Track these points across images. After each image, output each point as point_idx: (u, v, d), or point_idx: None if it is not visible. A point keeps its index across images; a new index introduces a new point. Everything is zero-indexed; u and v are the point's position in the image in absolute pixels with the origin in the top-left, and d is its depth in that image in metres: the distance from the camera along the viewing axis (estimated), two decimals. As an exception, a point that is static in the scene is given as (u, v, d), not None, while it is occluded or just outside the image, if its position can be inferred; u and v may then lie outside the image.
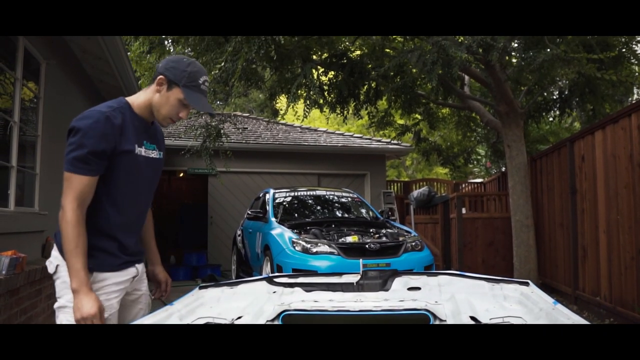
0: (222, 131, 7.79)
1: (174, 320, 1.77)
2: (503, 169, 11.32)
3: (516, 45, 6.77)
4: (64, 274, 1.83)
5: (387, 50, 7.55)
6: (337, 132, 13.25)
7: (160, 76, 1.87)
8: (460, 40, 5.80)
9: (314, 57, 7.36)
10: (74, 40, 4.99)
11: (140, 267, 2.06)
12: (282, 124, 12.84)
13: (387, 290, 2.08)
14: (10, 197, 3.90)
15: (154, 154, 2.00)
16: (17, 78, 3.96)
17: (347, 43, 7.40)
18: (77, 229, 1.73)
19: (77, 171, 1.74)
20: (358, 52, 7.84)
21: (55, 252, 1.89)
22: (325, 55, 7.47)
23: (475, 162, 14.64)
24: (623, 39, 6.52)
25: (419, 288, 2.09)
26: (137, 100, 1.93)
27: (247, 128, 11.50)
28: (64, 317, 1.82)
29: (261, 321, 1.81)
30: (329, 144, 11.08)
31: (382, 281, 2.12)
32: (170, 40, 7.87)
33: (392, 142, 11.51)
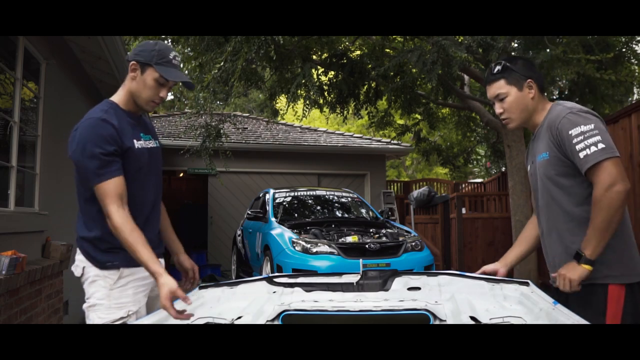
0: (221, 131, 7.79)
1: (174, 320, 1.77)
2: (503, 169, 11.33)
3: (516, 45, 6.77)
4: (92, 274, 1.90)
5: (387, 50, 7.55)
6: (337, 132, 13.25)
7: (132, 62, 1.90)
8: (460, 40, 5.80)
9: (314, 57, 7.35)
10: (74, 40, 4.99)
11: (161, 261, 2.10)
12: (282, 124, 12.83)
13: (387, 290, 2.08)
14: (10, 197, 3.90)
15: (152, 144, 2.04)
16: (17, 78, 3.96)
17: (347, 43, 7.39)
18: (127, 226, 1.77)
19: (104, 178, 1.79)
20: (358, 52, 7.84)
21: (80, 256, 1.94)
22: (325, 55, 7.47)
23: (475, 162, 14.64)
24: (623, 39, 6.52)
25: (418, 288, 2.09)
26: (119, 97, 1.96)
27: (247, 128, 11.51)
28: (95, 315, 1.88)
29: (261, 321, 1.81)
30: (329, 144, 11.08)
31: (382, 281, 2.12)
32: (170, 40, 7.87)
33: (392, 142, 11.51)
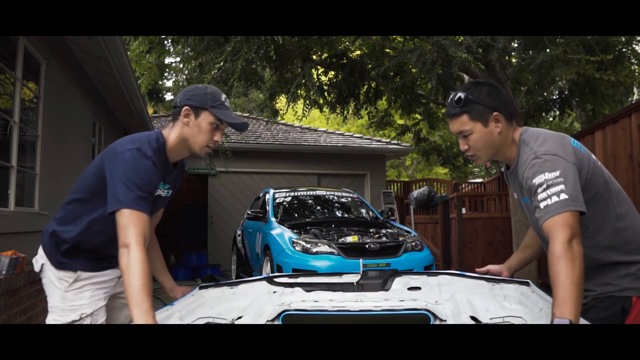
0: (221, 131, 7.78)
1: (174, 320, 1.77)
2: (502, 168, 11.32)
3: (516, 45, 6.77)
4: (50, 274, 1.88)
5: (387, 50, 7.55)
6: (337, 132, 13.25)
7: (185, 107, 1.83)
8: (460, 40, 5.80)
9: (314, 57, 7.36)
10: (74, 40, 4.99)
11: None
12: (282, 124, 12.84)
13: (387, 290, 2.07)
14: (10, 197, 3.90)
15: (164, 193, 1.99)
16: (17, 78, 3.96)
17: (347, 43, 7.40)
18: (145, 266, 1.59)
19: (142, 209, 1.67)
20: (358, 52, 7.84)
21: (40, 250, 1.92)
22: (325, 55, 7.47)
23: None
24: (623, 39, 6.52)
25: (419, 288, 2.09)
26: (170, 139, 1.88)
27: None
28: (51, 317, 1.87)
29: (261, 321, 1.80)
30: (329, 144, 11.08)
31: (382, 281, 2.12)
32: (170, 40, 7.87)
33: (392, 142, 11.51)
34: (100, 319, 1.90)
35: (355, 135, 12.66)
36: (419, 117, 9.54)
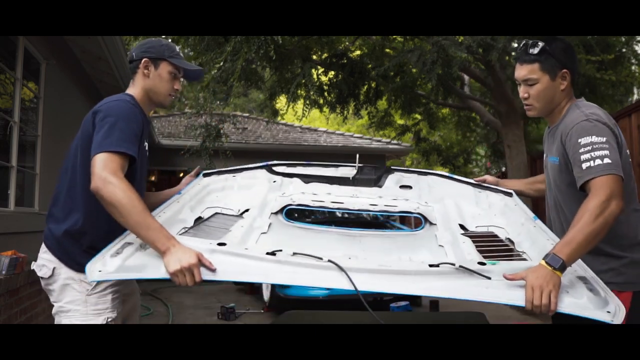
0: (221, 131, 7.79)
1: (185, 212, 1.90)
2: (503, 169, 11.33)
3: (516, 45, 6.77)
4: (64, 276, 1.78)
5: (387, 50, 7.55)
6: (337, 132, 13.25)
7: (143, 60, 1.89)
8: (460, 40, 5.79)
9: (314, 57, 7.35)
10: (74, 40, 4.99)
11: None
12: (282, 124, 12.83)
13: (380, 186, 2.24)
14: (10, 197, 3.90)
15: (146, 146, 1.98)
16: (17, 78, 3.96)
17: (347, 43, 7.39)
18: (132, 192, 1.55)
19: (126, 149, 1.64)
20: (358, 52, 7.84)
21: (47, 255, 1.81)
22: (325, 55, 7.46)
23: (475, 162, 14.64)
24: (623, 39, 6.52)
25: (410, 187, 2.24)
26: (135, 95, 1.91)
27: (247, 128, 11.50)
28: (69, 321, 1.77)
29: (266, 214, 1.98)
30: (329, 144, 11.07)
31: (376, 177, 2.28)
32: (170, 40, 7.86)
33: (392, 142, 11.51)
34: (119, 322, 1.86)
35: (355, 135, 12.66)
36: (419, 117, 9.53)
